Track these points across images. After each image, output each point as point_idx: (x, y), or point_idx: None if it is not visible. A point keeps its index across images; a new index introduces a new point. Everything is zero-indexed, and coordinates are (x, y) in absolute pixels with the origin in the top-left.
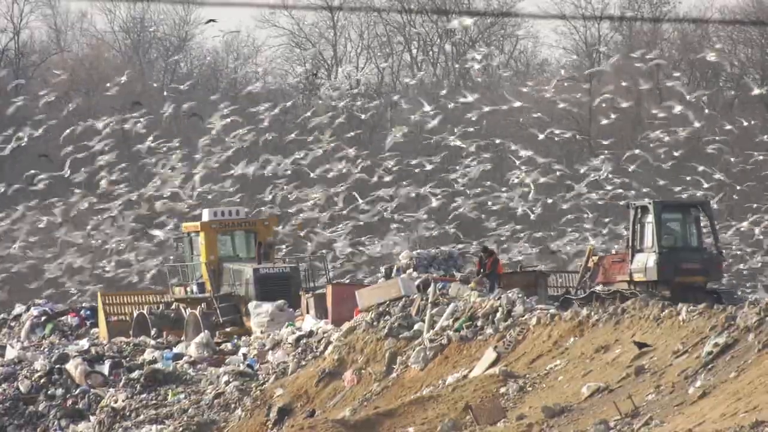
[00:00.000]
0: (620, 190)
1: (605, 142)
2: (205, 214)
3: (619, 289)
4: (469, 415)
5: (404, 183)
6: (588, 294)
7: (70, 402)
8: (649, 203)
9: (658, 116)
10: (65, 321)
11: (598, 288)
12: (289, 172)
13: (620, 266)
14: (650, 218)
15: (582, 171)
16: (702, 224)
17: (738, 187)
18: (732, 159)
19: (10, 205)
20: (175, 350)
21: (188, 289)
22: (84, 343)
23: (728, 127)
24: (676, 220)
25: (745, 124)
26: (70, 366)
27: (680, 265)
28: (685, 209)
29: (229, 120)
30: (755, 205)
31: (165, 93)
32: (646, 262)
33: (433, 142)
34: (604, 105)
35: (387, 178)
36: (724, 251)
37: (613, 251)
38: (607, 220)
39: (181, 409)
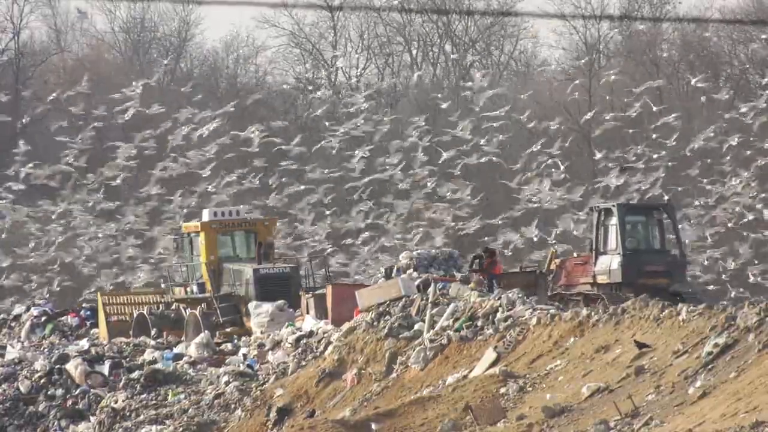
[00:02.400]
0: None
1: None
2: (205, 214)
3: (583, 291)
4: (469, 415)
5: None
6: (551, 295)
7: (70, 402)
8: (613, 206)
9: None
10: (65, 321)
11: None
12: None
13: (583, 268)
14: (614, 221)
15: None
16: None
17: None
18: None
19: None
20: (175, 350)
21: (188, 289)
22: (84, 344)
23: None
24: (640, 222)
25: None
26: (70, 366)
27: (644, 267)
28: (649, 212)
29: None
30: None
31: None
32: (609, 264)
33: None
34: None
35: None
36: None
37: (575, 254)
38: None
39: (181, 409)
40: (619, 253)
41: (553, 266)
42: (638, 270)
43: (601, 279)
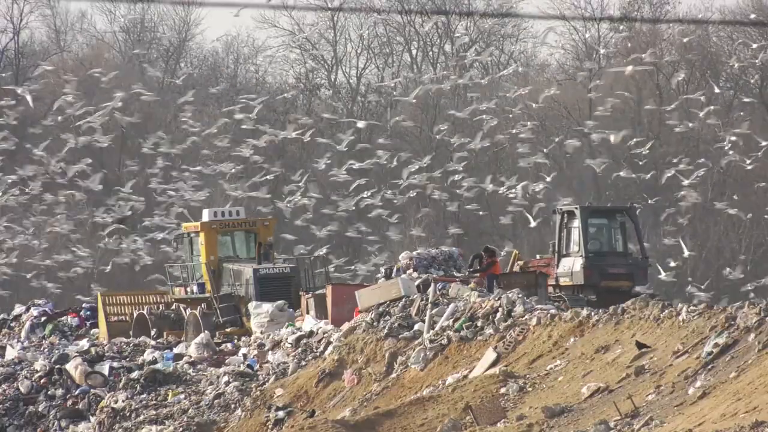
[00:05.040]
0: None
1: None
2: (205, 214)
3: None
4: (469, 416)
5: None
6: None
7: (70, 402)
8: (576, 208)
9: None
10: (65, 321)
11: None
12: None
13: (546, 271)
14: (576, 223)
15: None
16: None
17: None
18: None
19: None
20: (175, 350)
21: (188, 289)
22: (84, 344)
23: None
24: (602, 225)
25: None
26: (70, 366)
27: (606, 270)
28: (611, 215)
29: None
30: None
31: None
32: (572, 266)
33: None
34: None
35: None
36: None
37: (538, 257)
38: None
39: (181, 409)
40: (581, 256)
41: (516, 268)
42: (600, 272)
43: (564, 281)
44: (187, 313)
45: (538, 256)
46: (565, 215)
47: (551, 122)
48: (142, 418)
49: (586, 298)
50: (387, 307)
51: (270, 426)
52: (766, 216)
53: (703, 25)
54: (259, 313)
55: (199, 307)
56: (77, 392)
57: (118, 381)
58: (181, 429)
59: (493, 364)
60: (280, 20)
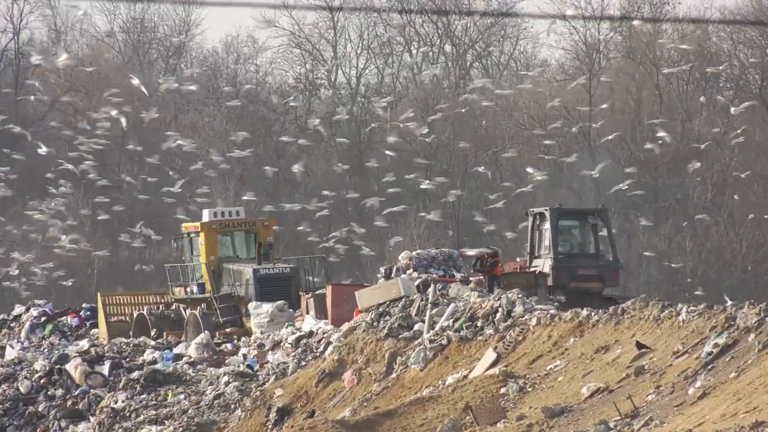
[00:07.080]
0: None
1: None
2: (205, 215)
3: None
4: (469, 416)
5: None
6: None
7: (70, 402)
8: (546, 210)
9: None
10: (65, 321)
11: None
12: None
13: None
14: (547, 225)
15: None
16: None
17: None
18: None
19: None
20: (175, 350)
21: (188, 289)
22: (84, 344)
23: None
24: (574, 227)
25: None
26: (70, 366)
27: (576, 271)
28: (582, 216)
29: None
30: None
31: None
32: (542, 267)
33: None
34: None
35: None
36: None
37: (518, 259)
38: None
39: (181, 409)
40: (551, 257)
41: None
42: (569, 274)
43: None
44: (187, 313)
45: (518, 258)
46: (537, 217)
47: (550, 122)
48: (142, 418)
49: (555, 299)
50: (387, 307)
51: (270, 426)
52: (766, 216)
53: (703, 25)
54: (259, 313)
55: (199, 307)
56: (77, 392)
57: (118, 381)
58: (181, 429)
59: (493, 364)
60: (280, 20)
